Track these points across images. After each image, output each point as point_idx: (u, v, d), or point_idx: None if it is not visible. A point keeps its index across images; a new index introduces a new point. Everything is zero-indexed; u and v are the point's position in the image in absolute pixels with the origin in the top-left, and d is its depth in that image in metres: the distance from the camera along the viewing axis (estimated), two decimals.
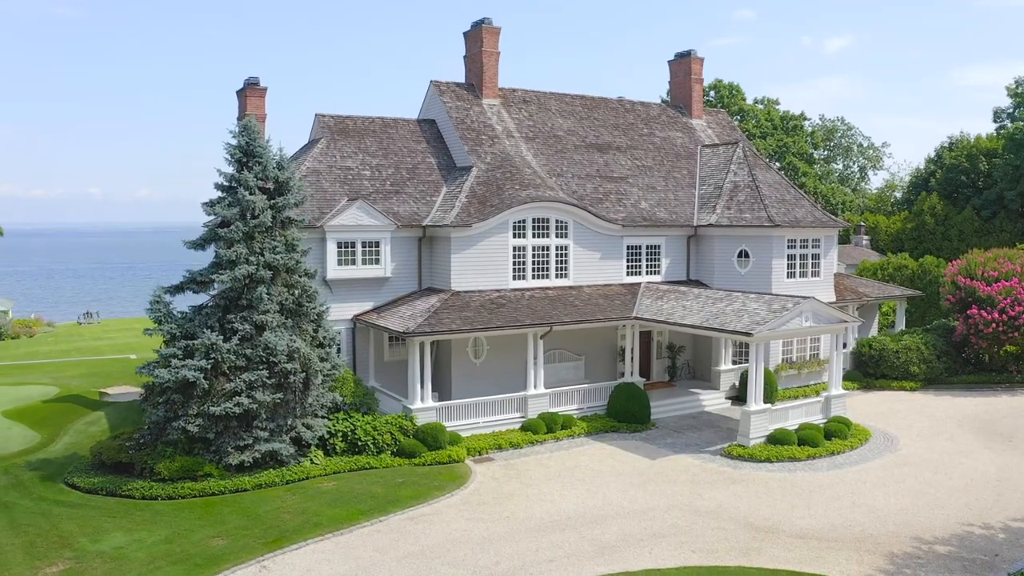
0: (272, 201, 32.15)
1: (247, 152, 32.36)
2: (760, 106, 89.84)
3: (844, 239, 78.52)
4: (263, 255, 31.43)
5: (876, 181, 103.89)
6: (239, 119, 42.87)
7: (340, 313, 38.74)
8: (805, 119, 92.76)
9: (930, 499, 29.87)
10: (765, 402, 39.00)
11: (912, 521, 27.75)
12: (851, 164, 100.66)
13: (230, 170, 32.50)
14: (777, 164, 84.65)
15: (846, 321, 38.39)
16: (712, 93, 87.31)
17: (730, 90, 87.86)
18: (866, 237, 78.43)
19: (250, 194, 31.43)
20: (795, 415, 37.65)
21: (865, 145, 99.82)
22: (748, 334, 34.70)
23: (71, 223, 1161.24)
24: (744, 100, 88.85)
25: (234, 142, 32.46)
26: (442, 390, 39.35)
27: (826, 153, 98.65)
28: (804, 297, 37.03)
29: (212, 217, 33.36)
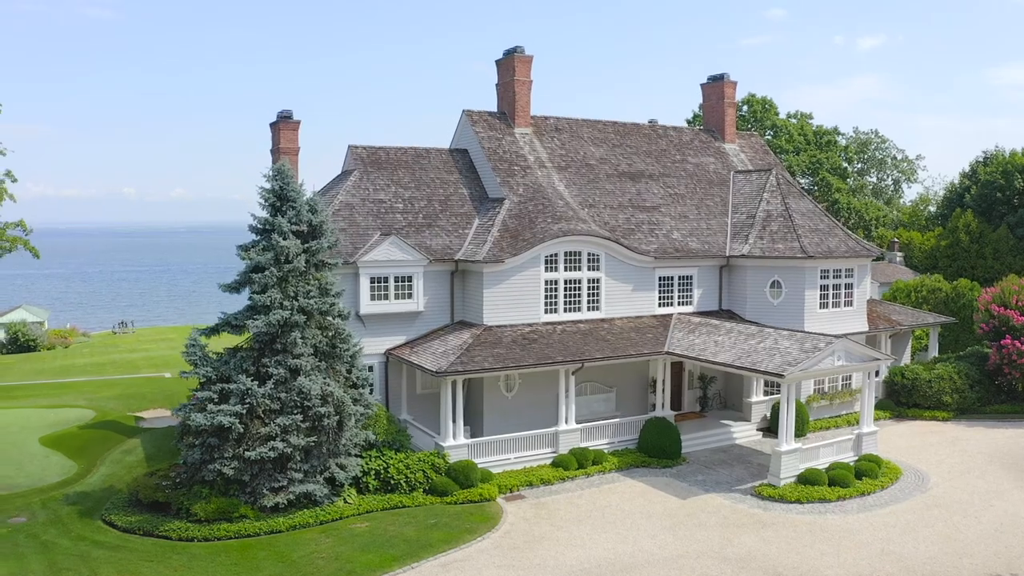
0: (306, 245, 32.50)
1: (281, 196, 32.73)
2: (793, 120, 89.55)
3: (877, 256, 78.33)
4: (297, 299, 31.78)
5: (910, 194, 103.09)
6: (272, 151, 43.31)
7: (373, 347, 39.04)
8: (839, 134, 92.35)
9: (959, 546, 29.81)
10: (796, 434, 39.05)
11: (940, 571, 27.73)
12: (885, 177, 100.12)
13: (264, 214, 32.85)
14: (810, 180, 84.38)
15: (878, 359, 38.34)
16: (745, 108, 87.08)
17: (763, 105, 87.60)
18: (900, 254, 78.20)
19: (284, 239, 31.78)
20: (826, 453, 37.62)
21: (899, 158, 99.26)
22: (780, 375, 34.72)
23: (105, 222, 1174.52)
24: (777, 115, 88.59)
25: (268, 186, 32.84)
26: (474, 424, 39.56)
27: (860, 166, 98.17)
28: (836, 336, 37.03)
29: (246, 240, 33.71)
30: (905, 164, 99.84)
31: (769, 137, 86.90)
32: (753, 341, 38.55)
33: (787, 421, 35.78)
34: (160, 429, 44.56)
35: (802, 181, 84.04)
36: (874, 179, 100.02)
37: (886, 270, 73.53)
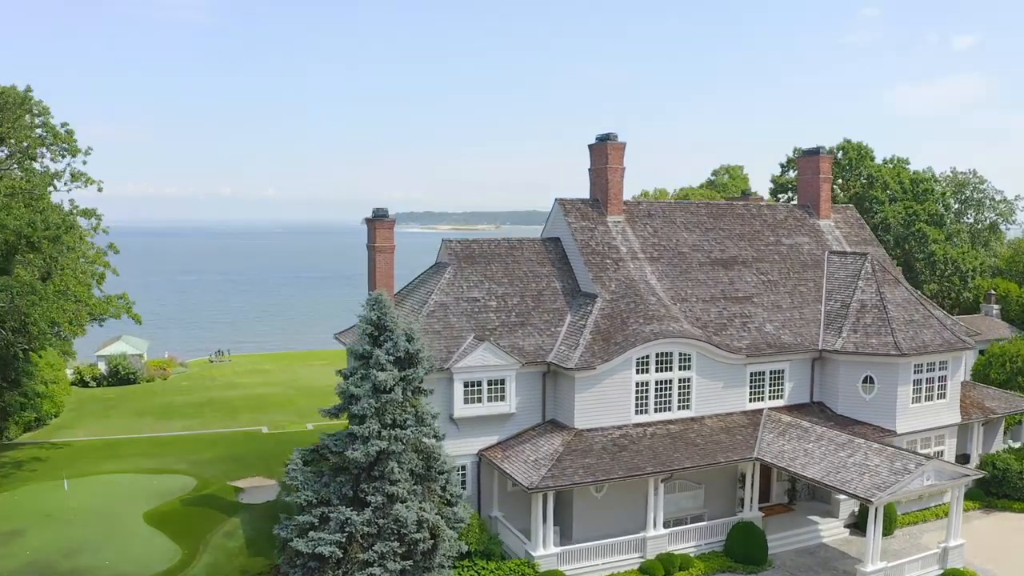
0: (403, 373, 33.39)
1: (379, 326, 33.72)
2: (889, 166, 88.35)
3: (974, 308, 77.35)
4: (394, 428, 32.69)
5: (1008, 236, 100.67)
6: (368, 247, 44.09)
7: (466, 448, 39.92)
8: (936, 181, 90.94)
9: None
10: (884, 533, 39.11)
11: None
12: (983, 219, 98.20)
13: (365, 345, 33.80)
14: (904, 231, 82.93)
15: (968, 475, 38.19)
16: (840, 154, 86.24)
17: (858, 151, 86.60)
18: (996, 307, 76.64)
19: (381, 372, 32.68)
20: (911, 569, 37.56)
21: (998, 199, 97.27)
22: (868, 500, 34.78)
23: (203, 220, 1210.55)
24: (872, 160, 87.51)
25: (366, 315, 33.90)
26: (563, 524, 40.12)
27: (957, 207, 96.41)
28: (928, 457, 36.98)
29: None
30: (1003, 205, 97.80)
31: (863, 182, 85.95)
32: (843, 454, 38.58)
33: (874, 541, 35.87)
34: (259, 506, 46.00)
35: (898, 230, 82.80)
36: (971, 220, 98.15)
37: (981, 324, 72.14)
